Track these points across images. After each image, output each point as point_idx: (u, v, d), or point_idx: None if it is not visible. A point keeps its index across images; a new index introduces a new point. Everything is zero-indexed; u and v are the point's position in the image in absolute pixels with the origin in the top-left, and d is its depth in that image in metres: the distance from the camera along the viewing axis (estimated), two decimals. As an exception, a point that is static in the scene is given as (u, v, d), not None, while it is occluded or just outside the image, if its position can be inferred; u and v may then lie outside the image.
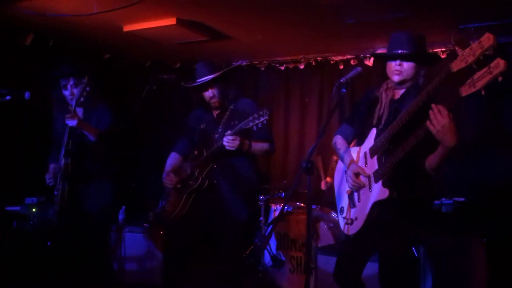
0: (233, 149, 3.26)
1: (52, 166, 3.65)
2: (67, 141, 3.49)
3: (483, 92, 2.10)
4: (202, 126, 3.61)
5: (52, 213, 3.65)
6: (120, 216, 4.94)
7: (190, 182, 3.44)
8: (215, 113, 3.59)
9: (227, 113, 3.53)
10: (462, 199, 4.39)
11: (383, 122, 2.67)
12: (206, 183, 3.41)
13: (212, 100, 3.50)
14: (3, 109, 3.46)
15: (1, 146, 4.51)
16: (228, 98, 3.50)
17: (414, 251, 3.30)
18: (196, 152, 3.53)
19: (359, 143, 2.84)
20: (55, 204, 3.54)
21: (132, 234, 4.74)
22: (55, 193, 3.54)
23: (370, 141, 2.72)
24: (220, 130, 3.49)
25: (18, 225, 4.33)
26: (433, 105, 2.28)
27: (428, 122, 2.29)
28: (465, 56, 2.15)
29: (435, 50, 5.20)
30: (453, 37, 4.66)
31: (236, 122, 3.31)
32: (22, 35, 4.82)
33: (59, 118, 3.61)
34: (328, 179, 5.34)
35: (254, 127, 3.15)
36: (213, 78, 3.42)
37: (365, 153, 2.75)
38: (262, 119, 3.11)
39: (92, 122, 3.56)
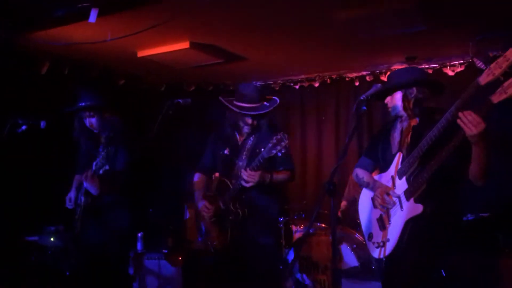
0: (253, 184, 3.21)
1: (77, 177, 3.67)
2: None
3: None
4: (226, 151, 3.50)
5: (70, 241, 3.64)
6: (139, 243, 4.88)
7: (231, 218, 3.34)
8: (240, 138, 3.49)
9: (251, 139, 3.43)
10: (486, 214, 4.27)
11: (406, 146, 2.74)
12: (241, 213, 3.33)
13: (248, 127, 3.42)
14: (20, 138, 3.48)
15: (19, 175, 4.50)
16: (259, 126, 3.41)
17: (442, 271, 3.19)
18: (219, 179, 3.46)
19: (383, 171, 2.88)
20: (73, 231, 3.55)
21: (151, 261, 4.67)
22: (74, 220, 3.54)
23: (397, 165, 2.75)
24: (244, 157, 3.40)
25: (36, 256, 4.30)
26: (460, 114, 2.33)
27: (464, 128, 2.32)
28: (492, 70, 2.30)
29: (453, 63, 5.14)
30: (471, 50, 4.63)
31: (262, 149, 3.19)
32: (38, 64, 4.86)
33: (82, 140, 3.68)
34: (343, 203, 5.12)
35: (279, 153, 3.05)
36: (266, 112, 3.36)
37: (392, 176, 2.78)
38: (283, 143, 3.01)
39: (111, 152, 3.52)
